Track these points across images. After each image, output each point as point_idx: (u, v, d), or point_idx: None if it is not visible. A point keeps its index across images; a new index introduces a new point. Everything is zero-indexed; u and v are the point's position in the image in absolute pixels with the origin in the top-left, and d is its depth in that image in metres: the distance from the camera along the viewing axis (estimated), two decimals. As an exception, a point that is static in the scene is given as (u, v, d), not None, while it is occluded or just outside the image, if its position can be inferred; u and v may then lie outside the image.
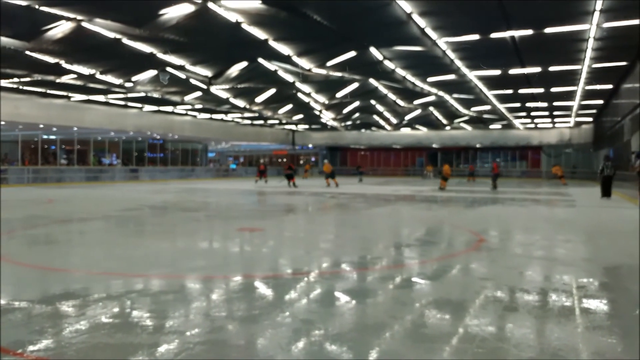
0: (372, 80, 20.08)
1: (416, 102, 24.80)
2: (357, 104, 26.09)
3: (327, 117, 30.66)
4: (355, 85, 20.56)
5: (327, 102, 24.34)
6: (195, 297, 4.28)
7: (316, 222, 9.57)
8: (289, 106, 26.79)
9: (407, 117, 30.92)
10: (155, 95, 21.45)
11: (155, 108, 26.28)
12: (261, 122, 34.13)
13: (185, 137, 32.78)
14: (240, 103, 24.51)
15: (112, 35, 13.00)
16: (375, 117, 31.56)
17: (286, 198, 16.39)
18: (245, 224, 8.95)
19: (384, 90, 22.21)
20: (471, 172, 32.55)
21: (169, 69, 16.78)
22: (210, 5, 11.16)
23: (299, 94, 22.82)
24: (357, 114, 30.39)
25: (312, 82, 20.11)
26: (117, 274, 5.00)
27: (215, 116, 30.40)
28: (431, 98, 23.38)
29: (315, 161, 48.09)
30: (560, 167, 29.14)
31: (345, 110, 28.46)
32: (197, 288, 4.57)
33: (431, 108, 27.53)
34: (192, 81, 18.80)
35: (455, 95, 22.75)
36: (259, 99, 23.65)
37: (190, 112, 28.56)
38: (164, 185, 23.86)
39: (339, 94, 22.61)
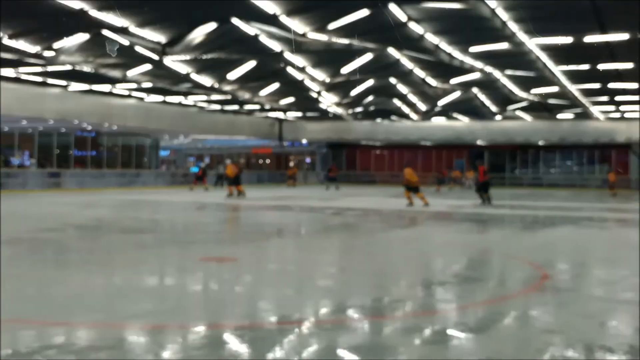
0: (391, 51, 20.17)
1: (454, 81, 24.93)
2: (370, 83, 26.23)
3: (329, 101, 30.78)
4: (368, 57, 20.66)
5: (328, 80, 24.45)
6: (139, 356, 4.25)
7: (312, 250, 9.55)
8: (275, 86, 26.90)
9: (441, 103, 31.05)
10: (86, 68, 21.52)
11: (85, 87, 26.36)
12: (235, 107, 34.22)
13: (127, 128, 32.85)
14: (207, 81, 24.60)
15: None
16: (397, 101, 31.69)
17: (270, 215, 16.37)
18: (210, 251, 8.92)
19: (409, 65, 22.32)
20: (441, 180, 32.86)
21: (106, 32, 16.84)
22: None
23: (289, 69, 22.91)
24: (370, 98, 30.51)
25: (307, 53, 20.20)
26: (28, 321, 4.97)
27: (170, 99, 30.47)
28: (475, 76, 23.50)
29: (312, 163, 48.28)
30: (614, 173, 29.92)
31: (354, 92, 28.58)
32: (141, 343, 4.54)
33: (475, 90, 27.65)
34: (139, 49, 18.87)
35: (509, 72, 22.88)
36: (233, 75, 23.75)
37: (135, 93, 28.64)
38: (97, 195, 23.87)
39: (346, 69, 22.71)
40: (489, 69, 22.21)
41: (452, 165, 43.19)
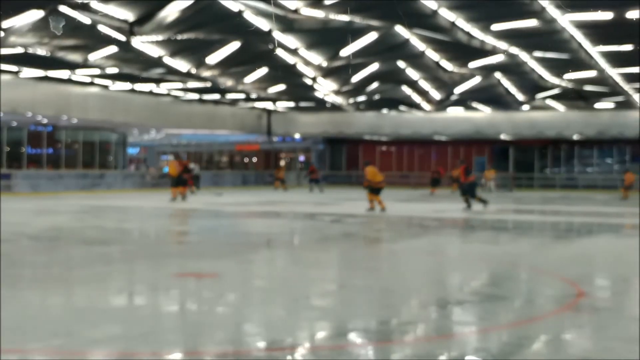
0: (399, 29, 20.20)
1: (473, 64, 24.97)
2: (375, 67, 26.27)
3: (326, 89, 30.81)
4: (371, 36, 20.69)
5: (325, 64, 24.48)
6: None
7: (306, 263, 9.57)
8: (263, 71, 26.92)
9: (458, 90, 31.11)
10: (41, 51, 21.51)
11: (40, 73, 26.35)
12: (216, 96, 34.19)
13: (90, 121, 32.82)
14: (182, 66, 24.62)
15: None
16: (406, 89, 31.73)
17: (257, 223, 16.38)
18: (187, 265, 8.93)
19: (420, 46, 22.36)
20: (436, 180, 32.70)
21: (63, 8, 16.83)
22: None
23: (279, 51, 22.93)
24: (375, 85, 30.56)
25: (300, 32, 20.22)
26: (-27, 349, 4.97)
27: (139, 87, 30.44)
28: (498, 58, 23.55)
29: (306, 161, 48.27)
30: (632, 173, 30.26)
31: (356, 79, 28.63)
32: (107, 373, 4.54)
33: (498, 75, 27.70)
34: (103, 29, 18.86)
35: (538, 54, 22.93)
36: (213, 58, 23.76)
37: (98, 81, 28.62)
38: (54, 200, 23.85)
39: (346, 52, 22.73)
40: (514, 50, 22.26)
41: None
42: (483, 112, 39.08)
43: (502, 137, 40.11)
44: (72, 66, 24.61)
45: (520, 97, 32.73)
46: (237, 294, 7.17)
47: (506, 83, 29.56)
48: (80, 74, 26.83)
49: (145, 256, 10.07)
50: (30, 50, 21.23)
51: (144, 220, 17.53)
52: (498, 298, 7.08)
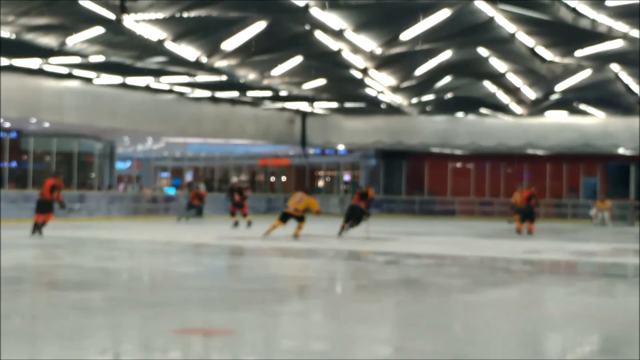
0: (480, 4, 20.12)
1: (580, 53, 24.74)
2: (447, 56, 26.18)
3: (381, 84, 30.81)
4: (443, 14, 20.65)
5: (380, 51, 24.48)
6: None
7: (351, 318, 9.52)
8: (296, 60, 27.02)
9: (560, 87, 30.83)
10: (5, 33, 21.88)
11: (2, 62, 26.77)
12: (234, 94, 34.42)
13: (66, 125, 33.26)
14: (190, 53, 24.83)
15: None
16: (489, 85, 31.56)
17: (286, 264, 16.35)
18: (192, 318, 8.93)
19: (508, 26, 22.23)
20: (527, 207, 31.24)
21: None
22: None
23: (317, 33, 23.00)
24: (446, 80, 30.45)
25: (347, 9, 20.27)
26: None
27: (133, 81, 30.78)
28: (615, 45, 23.30)
29: (353, 182, 48.24)
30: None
31: (421, 71, 28.57)
32: None
33: (614, 67, 27.38)
34: (85, 3, 19.15)
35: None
36: (230, 44, 23.92)
37: (78, 72, 29.02)
38: (18, 230, 24.13)
39: (407, 35, 22.73)
40: (636, 33, 22.01)
41: (577, 186, 42.73)
42: (594, 118, 38.67)
43: (620, 151, 39.60)
44: (45, 53, 24.93)
45: (645, 97, 32.36)
46: (257, 358, 7.13)
47: (626, 78, 29.22)
48: (54, 64, 27.22)
49: (136, 305, 10.09)
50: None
51: (135, 258, 17.62)
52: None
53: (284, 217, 22.64)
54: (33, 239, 20.62)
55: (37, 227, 21.15)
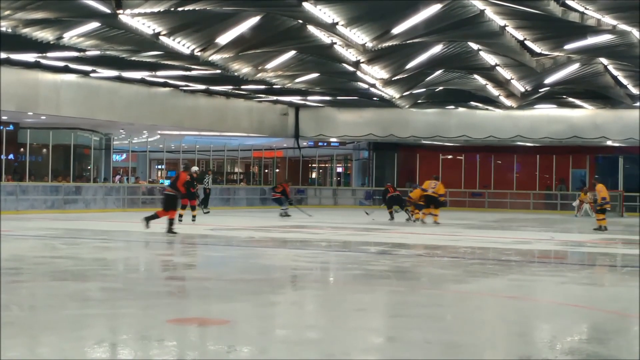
0: (471, -2, 20.12)
1: (570, 46, 24.75)
2: (438, 49, 26.16)
3: (373, 77, 30.79)
4: (434, 7, 20.63)
5: (371, 44, 24.47)
6: None
7: (345, 308, 9.57)
8: (290, 54, 26.99)
9: (550, 80, 30.84)
10: (2, 27, 21.81)
11: (1, 55, 26.69)
12: (228, 87, 34.34)
13: (63, 119, 33.20)
14: (185, 46, 24.78)
15: None
16: (479, 78, 31.55)
17: (281, 254, 16.37)
18: (188, 309, 8.98)
19: (498, 20, 22.24)
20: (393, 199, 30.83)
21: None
22: None
23: (311, 28, 23.00)
24: (437, 73, 30.42)
25: (339, 1, 20.24)
26: None
27: (129, 74, 30.67)
28: (604, 37, 23.31)
29: (346, 174, 48.20)
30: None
31: (412, 65, 28.55)
32: None
33: (604, 60, 27.40)
34: (81, -2, 19.09)
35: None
36: (225, 37, 23.87)
37: (75, 66, 28.94)
38: (15, 222, 24.12)
39: (399, 28, 22.72)
40: (624, 27, 22.03)
41: (567, 178, 42.83)
42: (583, 110, 38.64)
43: (609, 142, 39.63)
44: (41, 47, 24.87)
45: (633, 89, 32.34)
46: (252, 348, 7.16)
47: (614, 71, 29.22)
48: (51, 58, 27.13)
49: (133, 296, 10.12)
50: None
51: (132, 249, 17.64)
52: (602, 359, 7.02)
53: (429, 201, 26.79)
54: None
55: (174, 223, 20.62)
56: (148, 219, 19.79)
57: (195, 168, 28.74)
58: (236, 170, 53.20)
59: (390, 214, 29.27)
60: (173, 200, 20.19)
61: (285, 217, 29.54)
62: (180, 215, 24.15)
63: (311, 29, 22.98)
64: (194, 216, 25.30)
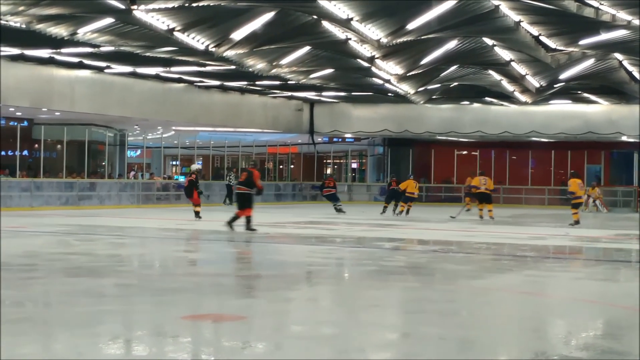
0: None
1: (585, 41, 24.64)
2: (452, 45, 26.10)
3: (388, 73, 30.76)
4: (448, 3, 20.56)
5: (386, 40, 24.42)
6: None
7: (360, 304, 9.56)
8: (304, 49, 26.98)
9: (565, 76, 30.73)
10: (15, 23, 21.87)
11: (13, 51, 26.81)
12: (243, 83, 34.37)
13: (77, 115, 33.30)
14: (199, 42, 24.80)
15: None
16: (494, 74, 31.48)
17: (296, 251, 16.38)
18: (203, 305, 8.99)
19: (513, 15, 22.16)
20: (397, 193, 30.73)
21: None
22: None
23: (326, 24, 22.96)
24: (452, 68, 30.36)
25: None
26: None
27: (144, 70, 30.76)
28: (619, 33, 23.19)
29: (361, 169, 48.17)
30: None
31: (427, 60, 28.49)
32: None
33: (619, 56, 27.28)
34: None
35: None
36: (239, 33, 23.88)
37: (89, 62, 29.02)
38: (30, 218, 24.24)
39: (414, 24, 22.67)
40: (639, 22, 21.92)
41: (582, 172, 42.62)
42: (598, 106, 38.52)
43: (624, 138, 39.47)
44: (55, 43, 24.94)
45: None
46: (267, 344, 7.17)
47: (629, 66, 29.09)
48: (65, 54, 27.22)
49: (148, 292, 10.16)
50: (2, 22, 21.57)
51: (146, 245, 17.70)
52: (617, 354, 6.97)
53: (482, 197, 27.33)
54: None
55: (251, 220, 20.28)
56: (230, 223, 19.59)
57: (196, 166, 28.71)
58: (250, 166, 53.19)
59: (384, 208, 29.62)
60: (248, 198, 20.10)
61: (341, 213, 29.56)
62: (197, 212, 24.23)
63: (326, 24, 22.98)
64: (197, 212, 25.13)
